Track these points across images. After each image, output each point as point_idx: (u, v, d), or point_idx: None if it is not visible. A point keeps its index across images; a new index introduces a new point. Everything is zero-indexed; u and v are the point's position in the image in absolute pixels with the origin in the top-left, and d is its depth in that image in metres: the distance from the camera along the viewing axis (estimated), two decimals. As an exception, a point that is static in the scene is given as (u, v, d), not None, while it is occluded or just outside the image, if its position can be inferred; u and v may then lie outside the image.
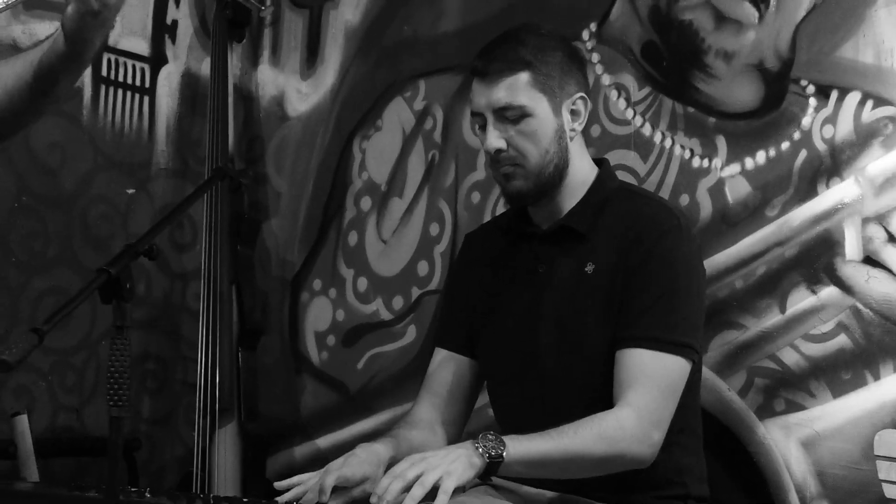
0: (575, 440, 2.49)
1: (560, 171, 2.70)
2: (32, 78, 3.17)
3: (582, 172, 2.75)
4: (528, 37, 2.68)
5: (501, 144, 2.65)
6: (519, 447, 2.43)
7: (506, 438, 2.42)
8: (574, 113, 2.70)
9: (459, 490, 2.41)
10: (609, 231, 2.69)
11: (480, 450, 2.39)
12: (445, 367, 2.88)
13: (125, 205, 4.28)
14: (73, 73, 3.40)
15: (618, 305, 2.62)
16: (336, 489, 2.47)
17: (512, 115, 2.65)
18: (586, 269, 2.68)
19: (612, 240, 2.68)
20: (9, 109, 3.43)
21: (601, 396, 2.61)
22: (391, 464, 2.55)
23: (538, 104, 2.65)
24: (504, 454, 2.40)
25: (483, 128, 2.68)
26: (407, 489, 2.31)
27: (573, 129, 2.71)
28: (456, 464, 2.35)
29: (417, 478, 2.32)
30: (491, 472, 2.41)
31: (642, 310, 2.60)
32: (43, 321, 2.19)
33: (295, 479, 2.52)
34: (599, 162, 2.82)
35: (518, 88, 2.64)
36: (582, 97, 2.71)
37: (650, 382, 2.56)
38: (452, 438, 2.83)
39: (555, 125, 2.67)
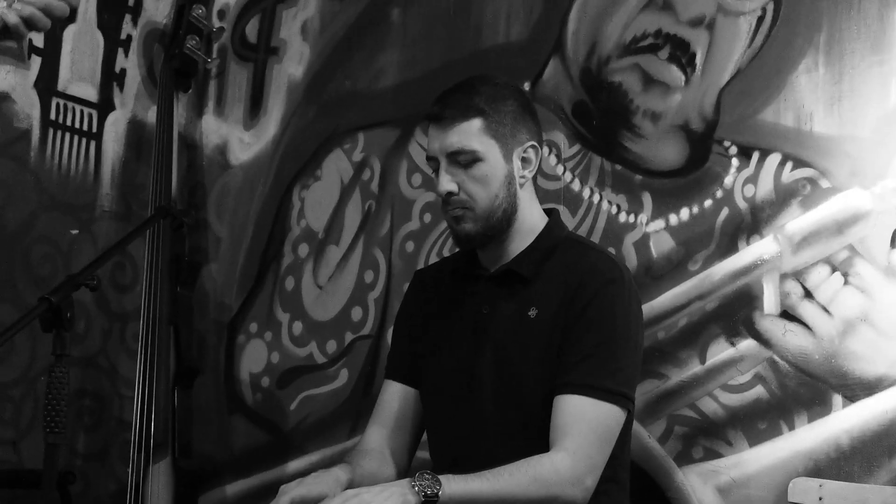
0: (510, 482, 2.43)
1: (508, 215, 2.68)
2: None
3: (531, 219, 2.73)
4: (482, 86, 2.68)
5: (453, 187, 2.64)
6: (454, 487, 2.37)
7: (441, 478, 2.36)
8: (525, 160, 2.69)
9: None
10: (554, 278, 2.66)
11: (416, 488, 2.33)
12: (394, 398, 2.85)
13: (68, 245, 4.18)
14: None
15: (556, 351, 2.58)
16: None
17: (464, 160, 2.63)
18: (529, 314, 2.65)
19: (556, 286, 2.65)
20: None
21: (536, 437, 2.57)
22: (349, 486, 2.50)
23: (489, 150, 2.64)
24: (440, 493, 2.34)
25: (436, 171, 2.67)
26: None
27: (523, 176, 2.70)
28: (390, 501, 2.29)
29: None
30: None
31: (581, 357, 2.56)
32: (-19, 346, 2.10)
33: None
34: (549, 212, 2.80)
35: (471, 134, 2.63)
36: (533, 146, 2.70)
37: (586, 428, 2.52)
38: (402, 466, 2.80)
39: (505, 171, 2.66)
